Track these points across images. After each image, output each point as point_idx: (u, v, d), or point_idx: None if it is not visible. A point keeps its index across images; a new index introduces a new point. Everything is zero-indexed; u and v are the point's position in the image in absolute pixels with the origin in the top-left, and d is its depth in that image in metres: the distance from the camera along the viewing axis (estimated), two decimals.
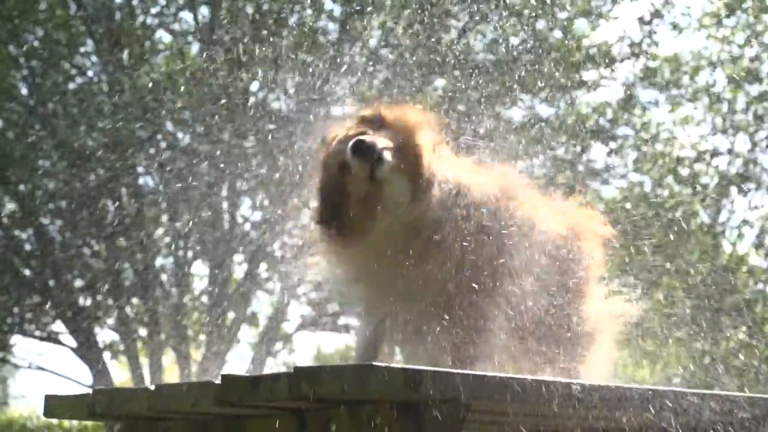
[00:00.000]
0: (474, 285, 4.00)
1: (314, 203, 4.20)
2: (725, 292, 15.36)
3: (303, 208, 15.99)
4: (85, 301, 17.27)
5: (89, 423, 19.20)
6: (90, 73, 16.97)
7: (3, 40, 16.38)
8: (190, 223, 16.39)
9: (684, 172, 17.25)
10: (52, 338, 17.82)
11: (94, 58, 16.86)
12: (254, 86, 16.32)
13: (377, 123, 4.13)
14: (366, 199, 4.00)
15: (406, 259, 3.98)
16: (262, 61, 15.52)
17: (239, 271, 17.21)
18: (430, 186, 4.00)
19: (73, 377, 18.53)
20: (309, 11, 16.06)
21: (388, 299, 4.14)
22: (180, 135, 16.86)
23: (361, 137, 3.94)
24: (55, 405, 4.06)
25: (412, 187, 3.98)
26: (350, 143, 3.95)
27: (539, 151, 15.35)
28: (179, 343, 16.73)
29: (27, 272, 16.76)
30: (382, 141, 3.97)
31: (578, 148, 16.43)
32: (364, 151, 3.91)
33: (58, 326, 17.59)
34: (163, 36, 17.37)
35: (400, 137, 4.04)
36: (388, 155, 3.94)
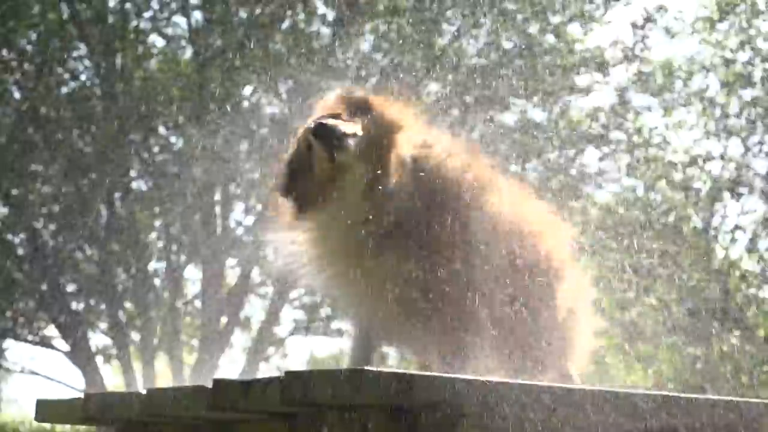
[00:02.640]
0: (446, 276, 3.98)
1: (279, 173, 4.18)
2: (718, 297, 15.38)
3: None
4: (77, 306, 17.26)
5: (81, 427, 19.16)
6: (83, 77, 16.97)
7: None
8: (183, 227, 16.38)
9: (677, 176, 17.26)
10: (45, 342, 17.81)
11: (87, 63, 16.86)
12: (247, 90, 16.33)
13: (361, 108, 4.09)
14: (325, 180, 3.99)
15: (361, 253, 3.97)
16: (255, 65, 15.53)
17: (232, 275, 17.21)
18: (389, 182, 3.96)
19: (66, 382, 18.57)
20: (302, 15, 16.08)
21: (354, 296, 4.13)
22: (173, 139, 16.87)
23: (324, 120, 3.92)
24: (46, 409, 4.05)
25: (372, 178, 3.95)
26: (313, 124, 3.93)
27: (532, 156, 15.37)
28: (172, 348, 16.72)
29: (19, 276, 16.74)
30: (347, 126, 3.95)
31: (571, 153, 16.45)
32: (325, 133, 3.89)
33: (51, 330, 17.59)
34: (156, 40, 17.39)
35: (375, 128, 4.01)
36: (350, 141, 3.91)
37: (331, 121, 3.92)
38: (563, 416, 3.24)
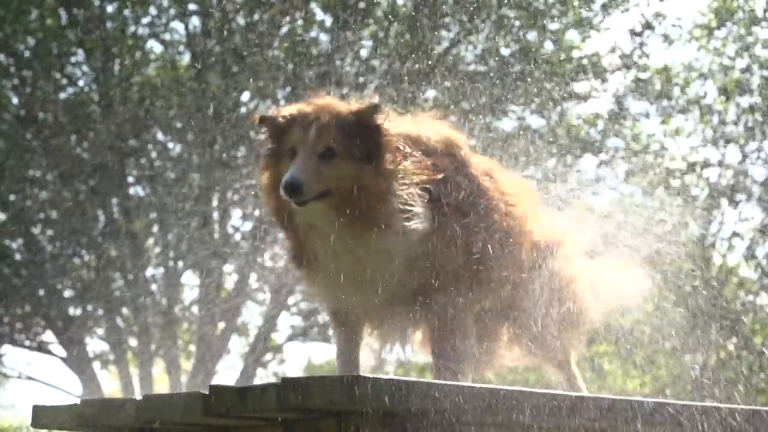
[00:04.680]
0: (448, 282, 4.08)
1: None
2: (715, 304, 15.38)
3: None
4: (75, 311, 17.24)
5: None
6: (81, 83, 16.95)
7: None
8: (181, 233, 16.36)
9: (675, 183, 17.25)
10: (42, 348, 17.78)
11: (85, 68, 16.85)
12: (245, 96, 16.32)
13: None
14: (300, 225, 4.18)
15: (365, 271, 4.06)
16: (253, 70, 15.52)
17: (229, 281, 17.19)
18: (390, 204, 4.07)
19: (63, 387, 18.52)
20: (300, 21, 16.07)
21: (356, 306, 4.24)
22: (171, 145, 16.86)
23: (290, 177, 3.96)
24: (43, 415, 4.05)
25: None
26: (283, 180, 4.00)
27: (530, 163, 15.36)
28: (169, 354, 16.69)
29: (17, 282, 16.72)
30: (309, 175, 4.00)
31: (569, 160, 16.44)
32: (289, 191, 3.99)
33: (48, 336, 17.56)
34: (154, 46, 17.38)
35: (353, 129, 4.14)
36: (312, 195, 3.99)
37: (293, 178, 3.99)
38: (557, 422, 3.24)
